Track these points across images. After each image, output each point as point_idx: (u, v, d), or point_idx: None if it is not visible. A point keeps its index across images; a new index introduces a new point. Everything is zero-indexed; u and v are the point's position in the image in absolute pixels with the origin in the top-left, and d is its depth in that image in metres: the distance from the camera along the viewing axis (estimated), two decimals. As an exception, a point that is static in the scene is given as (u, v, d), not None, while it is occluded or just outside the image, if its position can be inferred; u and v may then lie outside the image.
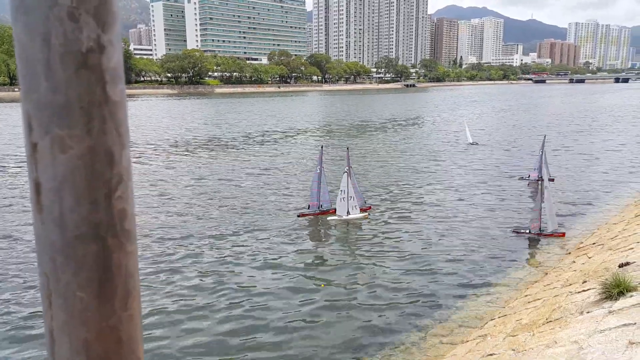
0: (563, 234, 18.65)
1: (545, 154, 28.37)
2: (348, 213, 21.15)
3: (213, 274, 15.82)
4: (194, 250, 18.02)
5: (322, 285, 14.31)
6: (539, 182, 28.88)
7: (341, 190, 21.01)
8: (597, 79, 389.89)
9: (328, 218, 21.26)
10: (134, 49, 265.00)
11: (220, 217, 22.19)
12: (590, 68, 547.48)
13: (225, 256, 17.37)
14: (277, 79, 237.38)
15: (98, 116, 0.70)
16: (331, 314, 12.98)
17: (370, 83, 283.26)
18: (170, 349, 11.43)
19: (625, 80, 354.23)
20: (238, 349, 11.47)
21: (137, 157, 37.91)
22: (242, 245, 18.37)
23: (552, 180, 28.43)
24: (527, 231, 18.91)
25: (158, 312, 13.21)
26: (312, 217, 21.76)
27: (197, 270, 16.14)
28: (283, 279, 15.34)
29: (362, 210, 21.75)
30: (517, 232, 19.20)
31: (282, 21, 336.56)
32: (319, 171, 21.49)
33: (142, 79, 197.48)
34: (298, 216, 21.93)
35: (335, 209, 21.48)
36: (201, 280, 15.37)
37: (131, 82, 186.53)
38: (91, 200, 0.71)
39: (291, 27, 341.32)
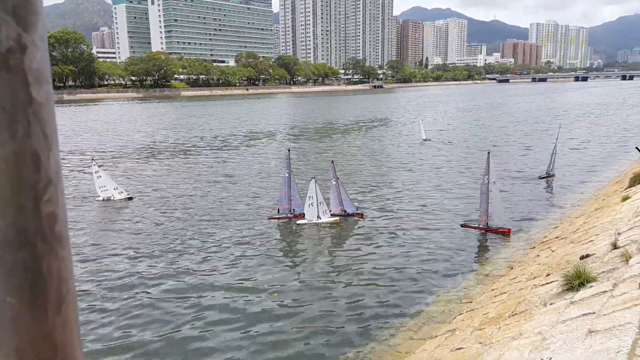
0: (509, 230, 19.08)
1: (555, 150, 29.88)
2: (318, 217, 21.05)
3: (179, 276, 15.56)
4: (155, 256, 17.69)
5: (275, 295, 14.07)
6: (548, 177, 29.86)
7: (309, 197, 20.91)
8: (558, 77, 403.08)
9: (298, 222, 21.15)
10: (97, 52, 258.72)
11: (186, 222, 21.84)
12: (551, 67, 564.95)
13: (192, 261, 17.11)
14: (245, 81, 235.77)
15: (22, 119, 0.67)
16: (299, 315, 12.95)
17: (339, 84, 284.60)
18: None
19: (585, 79, 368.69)
20: (199, 353, 11.31)
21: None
22: (210, 251, 18.09)
23: (552, 175, 29.65)
24: (476, 225, 19.53)
25: (123, 319, 12.90)
26: (283, 220, 21.60)
27: (161, 277, 15.84)
28: (249, 282, 15.23)
29: (359, 216, 21.70)
30: (466, 226, 19.82)
31: (249, 23, 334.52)
32: (287, 175, 21.34)
33: (105, 82, 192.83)
34: (268, 219, 21.76)
35: (304, 214, 21.38)
36: (165, 286, 15.09)
37: (94, 86, 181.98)
38: (17, 205, 0.68)
39: (258, 28, 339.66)
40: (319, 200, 20.89)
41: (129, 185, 29.91)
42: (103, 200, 24.65)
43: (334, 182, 21.64)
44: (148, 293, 14.56)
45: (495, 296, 12.06)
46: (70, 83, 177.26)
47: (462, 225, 19.97)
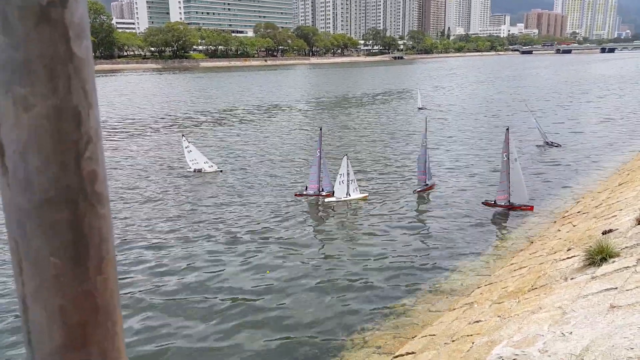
0: (531, 207, 18.71)
1: (538, 124, 31.19)
2: (348, 194, 20.60)
3: (199, 251, 15.87)
4: (180, 230, 18.02)
5: (267, 272, 14.01)
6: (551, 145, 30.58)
7: (340, 174, 20.45)
8: (583, 49, 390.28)
9: (326, 200, 20.72)
10: (116, 22, 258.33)
11: (210, 196, 22.06)
12: (577, 38, 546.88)
13: (215, 234, 17.37)
14: (264, 52, 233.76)
15: (62, 74, 0.67)
16: (323, 285, 13.16)
17: (358, 55, 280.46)
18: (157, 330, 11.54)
19: (612, 50, 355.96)
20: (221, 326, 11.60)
21: (126, 136, 36.77)
22: (234, 226, 18.17)
23: (556, 145, 30.50)
24: (494, 202, 19.05)
25: (149, 294, 13.27)
26: (309, 197, 21.22)
27: (184, 252, 16.18)
28: (275, 256, 15.45)
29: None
30: (487, 204, 19.30)
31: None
32: (319, 154, 20.86)
33: (125, 53, 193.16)
34: (295, 195, 21.53)
35: (333, 192, 20.86)
36: (187, 260, 15.42)
37: (114, 57, 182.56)
38: (59, 161, 0.68)
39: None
40: (350, 178, 20.47)
41: (160, 154, 30.56)
42: (194, 171, 25.14)
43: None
44: (169, 268, 14.90)
45: (514, 270, 12.04)
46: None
47: (483, 204, 19.49)
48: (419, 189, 21.65)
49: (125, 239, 16.70)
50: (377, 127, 41.27)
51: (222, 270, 14.34)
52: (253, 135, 37.86)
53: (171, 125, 43.41)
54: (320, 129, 21.89)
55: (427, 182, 21.79)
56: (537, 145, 31.62)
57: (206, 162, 25.31)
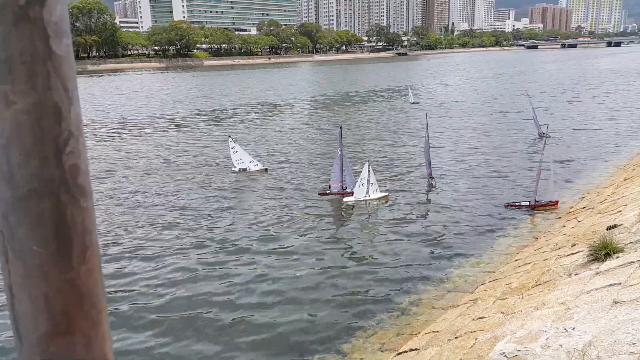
0: (556, 203, 18.40)
1: (535, 114, 31.85)
2: (367, 195, 20.37)
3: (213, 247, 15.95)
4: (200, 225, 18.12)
5: (258, 271, 13.99)
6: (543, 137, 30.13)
7: (361, 178, 20.31)
8: (589, 43, 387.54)
9: (345, 199, 20.58)
10: (120, 21, 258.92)
11: (227, 192, 22.12)
12: (582, 32, 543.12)
13: (236, 230, 17.43)
14: (267, 50, 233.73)
15: (42, 71, 0.69)
16: (327, 283, 13.20)
17: (362, 52, 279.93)
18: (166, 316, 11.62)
19: (617, 44, 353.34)
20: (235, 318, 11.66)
21: (135, 136, 36.78)
22: (255, 223, 18.08)
23: (547, 136, 29.96)
24: (520, 203, 18.73)
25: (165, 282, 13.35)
26: (332, 196, 21.08)
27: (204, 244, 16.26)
28: (283, 253, 15.50)
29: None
30: (511, 206, 18.80)
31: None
32: (339, 152, 20.70)
33: (128, 52, 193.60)
34: (318, 194, 21.35)
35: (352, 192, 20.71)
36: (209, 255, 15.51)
37: (118, 57, 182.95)
38: (40, 156, 0.70)
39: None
40: (370, 182, 20.31)
41: (174, 153, 30.68)
42: (239, 171, 25.22)
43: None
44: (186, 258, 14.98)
45: (519, 266, 12.02)
46: (94, 53, 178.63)
47: (506, 206, 18.88)
48: (433, 183, 21.91)
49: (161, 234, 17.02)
50: (376, 123, 41.21)
51: (235, 265, 14.41)
52: (265, 133, 37.88)
53: (181, 124, 43.51)
54: (340, 128, 21.74)
55: (433, 177, 21.87)
56: (532, 139, 31.91)
57: (251, 162, 25.37)
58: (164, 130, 40.14)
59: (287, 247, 15.79)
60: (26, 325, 0.74)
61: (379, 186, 20.77)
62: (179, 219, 18.65)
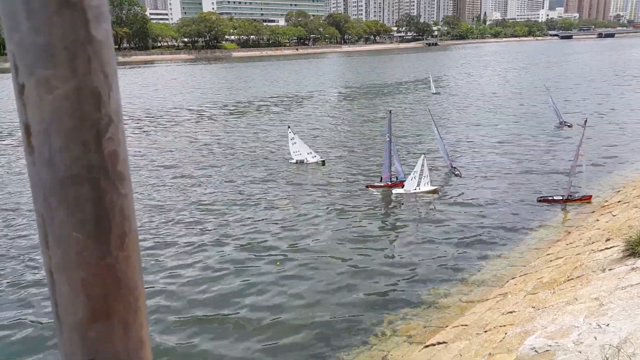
0: (590, 197, 17.92)
1: (555, 104, 33.72)
2: (417, 187, 20.01)
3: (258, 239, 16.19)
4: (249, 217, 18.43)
5: (278, 264, 14.04)
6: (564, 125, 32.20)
7: (414, 171, 19.92)
8: (627, 32, 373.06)
9: (394, 191, 20.20)
10: (150, 13, 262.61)
11: (270, 182, 22.38)
12: (620, 21, 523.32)
13: (277, 221, 17.56)
14: (295, 41, 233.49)
15: (82, 56, 0.69)
16: (357, 275, 13.26)
17: (391, 42, 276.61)
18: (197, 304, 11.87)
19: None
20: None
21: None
22: (299, 217, 18.05)
23: (570, 126, 32.20)
24: (552, 197, 18.30)
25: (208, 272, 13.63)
26: (381, 188, 20.71)
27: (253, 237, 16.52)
28: (316, 246, 15.61)
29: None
30: (544, 200, 18.34)
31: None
32: (388, 139, 20.18)
33: (158, 44, 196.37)
34: (366, 187, 21.03)
35: (403, 182, 20.43)
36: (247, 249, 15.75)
37: (148, 48, 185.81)
38: (81, 141, 0.71)
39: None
40: (423, 174, 19.97)
41: (223, 143, 31.14)
42: (296, 162, 25.43)
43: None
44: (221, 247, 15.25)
45: (550, 261, 11.78)
46: (125, 45, 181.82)
47: (539, 200, 18.43)
48: (457, 173, 21.86)
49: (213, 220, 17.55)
50: (395, 115, 40.79)
51: (265, 261, 14.61)
52: (313, 124, 37.90)
53: (220, 115, 44.06)
54: (390, 112, 20.97)
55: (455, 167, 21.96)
56: (556, 127, 32.57)
57: (309, 153, 25.43)
58: (211, 121, 40.84)
59: (322, 240, 15.82)
60: (66, 309, 0.75)
61: (430, 179, 20.24)
62: (228, 208, 19.01)
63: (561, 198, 18.07)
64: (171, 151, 29.14)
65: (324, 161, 25.39)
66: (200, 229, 16.94)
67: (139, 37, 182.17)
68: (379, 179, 21.19)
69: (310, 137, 32.11)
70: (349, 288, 12.51)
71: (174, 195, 20.75)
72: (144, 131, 36.29)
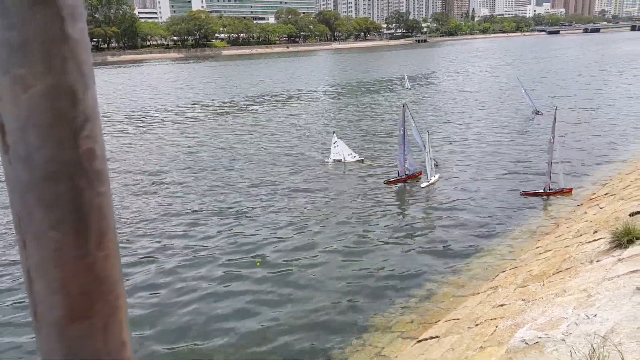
0: (570, 190, 18.30)
1: (527, 92, 36.34)
2: (432, 176, 20.12)
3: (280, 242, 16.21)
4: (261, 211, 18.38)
5: (258, 264, 13.91)
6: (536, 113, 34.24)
7: (427, 151, 19.78)
8: (612, 27, 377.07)
9: (423, 185, 20.17)
10: (139, 12, 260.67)
11: (277, 181, 22.12)
12: (605, 16, 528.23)
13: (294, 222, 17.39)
14: (285, 38, 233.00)
15: (58, 54, 0.69)
16: (347, 270, 13.35)
17: (381, 39, 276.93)
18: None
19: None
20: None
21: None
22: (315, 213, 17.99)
23: (540, 113, 34.53)
24: (535, 191, 18.60)
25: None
26: (398, 183, 20.65)
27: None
28: (307, 240, 15.67)
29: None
30: (527, 194, 18.69)
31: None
32: (402, 132, 20.02)
33: (148, 43, 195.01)
34: (385, 183, 20.85)
35: (420, 172, 20.33)
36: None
37: (137, 47, 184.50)
38: (57, 139, 0.70)
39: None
40: (430, 157, 20.06)
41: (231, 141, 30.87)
42: (333, 161, 25.27)
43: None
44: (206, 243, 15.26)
45: (539, 254, 11.95)
46: (114, 44, 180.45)
47: (523, 194, 18.73)
48: (392, 179, 21.07)
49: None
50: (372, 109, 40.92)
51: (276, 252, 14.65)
52: (292, 120, 37.96)
53: (223, 111, 43.89)
54: (404, 106, 20.92)
55: (407, 172, 21.04)
56: (530, 116, 34.88)
57: (350, 154, 25.37)
58: (200, 120, 40.59)
59: (312, 239, 15.89)
60: (44, 309, 0.74)
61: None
62: (252, 204, 18.96)
63: (543, 191, 18.33)
64: (162, 151, 29.06)
65: (362, 159, 25.34)
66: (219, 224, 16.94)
67: (128, 36, 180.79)
68: (397, 173, 21.14)
69: (305, 134, 32.21)
70: (340, 285, 12.59)
71: (172, 193, 20.72)
72: (131, 131, 36.10)
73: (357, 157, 25.27)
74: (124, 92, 63.83)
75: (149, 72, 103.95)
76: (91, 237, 0.73)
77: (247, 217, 17.72)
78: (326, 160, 25.35)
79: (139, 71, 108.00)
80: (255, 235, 16.07)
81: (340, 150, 25.19)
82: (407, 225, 16.63)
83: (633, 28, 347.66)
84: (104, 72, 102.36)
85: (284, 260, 14.12)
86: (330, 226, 16.62)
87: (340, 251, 14.69)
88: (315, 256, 14.33)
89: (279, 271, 13.50)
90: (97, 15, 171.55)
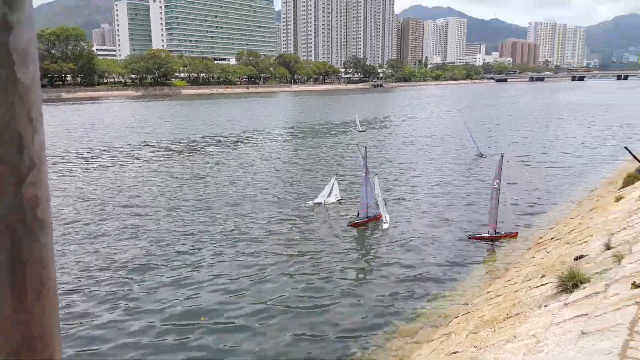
0: (516, 234, 18.86)
1: (472, 135, 38.92)
2: (386, 217, 20.31)
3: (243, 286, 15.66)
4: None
5: (202, 319, 13.14)
6: (482, 155, 35.70)
7: (376, 194, 20.04)
8: (555, 77, 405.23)
9: (384, 226, 20.34)
10: (97, 49, 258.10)
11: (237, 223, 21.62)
12: (549, 66, 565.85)
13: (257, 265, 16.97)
14: (246, 79, 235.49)
15: (5, 100, 0.66)
16: (305, 319, 13.06)
17: (339, 83, 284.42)
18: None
19: (582, 78, 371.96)
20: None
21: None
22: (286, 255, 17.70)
23: (484, 156, 36.80)
24: (482, 235, 18.98)
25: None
26: (362, 225, 20.71)
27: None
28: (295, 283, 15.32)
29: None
30: (474, 238, 19.03)
31: (251, 21, 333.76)
32: (364, 174, 20.31)
33: (105, 80, 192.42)
34: (348, 225, 20.78)
35: (381, 215, 20.59)
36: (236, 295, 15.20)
37: (94, 84, 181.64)
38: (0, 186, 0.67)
39: (260, 26, 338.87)
40: (382, 198, 20.25)
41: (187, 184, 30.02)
42: (313, 204, 24.33)
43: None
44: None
45: (490, 299, 12.16)
46: (70, 81, 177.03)
47: (470, 238, 19.07)
48: (357, 221, 21.03)
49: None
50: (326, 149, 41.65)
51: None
52: (248, 161, 37.79)
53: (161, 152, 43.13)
54: (365, 148, 21.19)
55: (369, 214, 21.15)
56: (474, 158, 36.88)
57: (336, 195, 24.88)
58: (150, 161, 39.73)
59: (261, 287, 15.53)
60: None
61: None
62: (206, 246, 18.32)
63: (489, 235, 18.76)
64: (110, 194, 28.03)
65: (340, 200, 24.84)
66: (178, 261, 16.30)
67: (85, 73, 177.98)
68: (357, 215, 21.18)
69: (264, 176, 32.11)
70: (287, 339, 12.07)
71: (116, 237, 19.93)
72: (78, 172, 34.70)
73: (339, 197, 25.06)
74: (75, 130, 62.05)
75: (103, 110, 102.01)
76: (30, 289, 0.70)
77: (197, 265, 16.97)
78: (307, 203, 24.74)
79: (93, 109, 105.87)
80: (203, 285, 15.29)
81: (327, 193, 24.77)
82: (360, 272, 16.37)
83: (573, 78, 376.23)
84: (57, 109, 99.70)
85: (230, 315, 13.43)
86: (283, 274, 16.11)
87: (287, 304, 14.03)
88: (260, 310, 13.62)
89: (225, 325, 12.86)
90: (53, 51, 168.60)
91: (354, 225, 20.75)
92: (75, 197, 26.83)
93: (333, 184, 25.02)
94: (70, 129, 63.32)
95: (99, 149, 45.53)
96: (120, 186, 29.44)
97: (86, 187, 29.42)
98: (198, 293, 14.62)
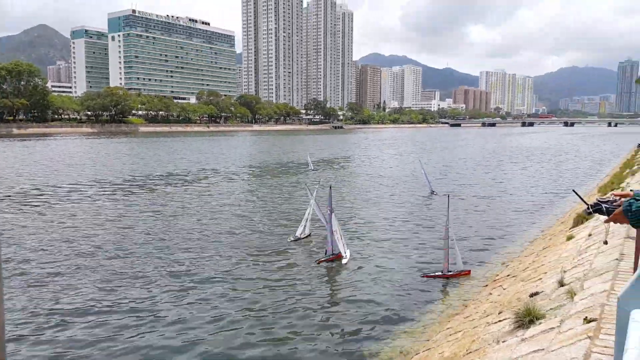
0: (469, 272, 19.04)
1: (425, 173, 40.71)
2: (346, 253, 20.48)
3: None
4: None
5: None
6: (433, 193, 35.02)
7: (335, 231, 20.15)
8: (506, 123, 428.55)
9: (343, 262, 20.38)
10: (52, 86, 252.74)
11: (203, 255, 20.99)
12: (500, 113, 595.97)
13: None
14: (206, 118, 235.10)
15: None
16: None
17: (300, 124, 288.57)
18: None
19: (531, 124, 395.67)
20: None
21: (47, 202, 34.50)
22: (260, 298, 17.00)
23: (435, 193, 38.42)
24: (435, 273, 19.01)
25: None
26: (328, 261, 20.65)
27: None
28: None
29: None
30: (427, 276, 19.00)
31: (212, 62, 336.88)
32: (329, 212, 20.44)
33: (59, 117, 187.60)
34: (316, 262, 20.62)
35: (340, 253, 20.54)
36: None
37: (47, 120, 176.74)
38: None
39: (221, 68, 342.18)
40: (340, 234, 20.38)
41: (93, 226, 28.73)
42: (294, 239, 24.07)
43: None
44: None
45: (450, 335, 12.12)
46: (22, 117, 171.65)
47: (423, 276, 19.07)
48: (323, 259, 20.91)
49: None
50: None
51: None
52: (205, 199, 37.04)
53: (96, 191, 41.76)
54: (330, 187, 21.60)
55: (334, 251, 21.04)
56: (427, 197, 38.10)
57: (310, 229, 24.67)
58: (100, 200, 38.31)
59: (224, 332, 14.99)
60: None
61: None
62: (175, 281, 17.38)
63: (442, 274, 18.84)
64: (55, 235, 26.72)
65: (309, 234, 24.60)
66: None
67: (38, 109, 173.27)
68: (325, 252, 21.15)
69: (220, 215, 31.50)
70: None
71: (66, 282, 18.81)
72: (27, 210, 33.20)
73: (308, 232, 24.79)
74: (22, 167, 59.55)
75: (55, 147, 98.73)
76: None
77: (149, 310, 15.99)
78: (289, 238, 24.33)
79: (44, 145, 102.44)
80: (155, 330, 14.50)
81: (302, 226, 24.46)
82: (320, 310, 15.88)
83: (523, 124, 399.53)
84: (5, 145, 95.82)
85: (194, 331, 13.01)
86: (241, 315, 15.72)
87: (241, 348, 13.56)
88: (217, 353, 13.17)
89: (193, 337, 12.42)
90: (4, 87, 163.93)
91: (319, 262, 20.63)
92: (16, 240, 25.35)
93: (309, 213, 24.66)
94: (17, 165, 60.74)
95: (45, 188, 43.43)
96: (66, 227, 27.81)
97: (23, 229, 27.62)
98: (148, 340, 13.83)
